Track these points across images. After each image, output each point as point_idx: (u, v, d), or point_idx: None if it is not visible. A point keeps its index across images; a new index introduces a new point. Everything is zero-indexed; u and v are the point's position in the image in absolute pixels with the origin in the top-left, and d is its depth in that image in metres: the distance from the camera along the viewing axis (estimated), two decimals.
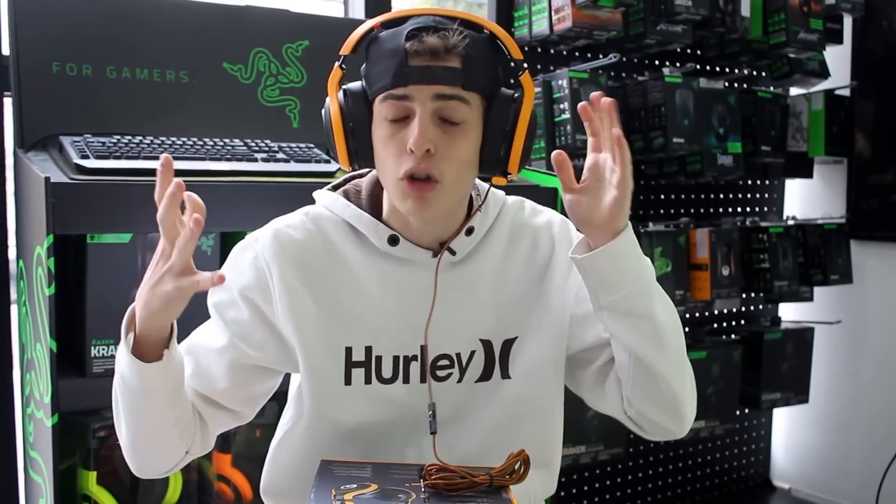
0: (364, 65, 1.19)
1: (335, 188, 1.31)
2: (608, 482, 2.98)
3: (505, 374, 1.26)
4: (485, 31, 1.17)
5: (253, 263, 1.22)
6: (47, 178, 1.54)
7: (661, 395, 1.20)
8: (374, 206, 1.25)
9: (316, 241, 1.24)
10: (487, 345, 1.25)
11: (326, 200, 1.27)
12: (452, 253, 1.23)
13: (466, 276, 1.25)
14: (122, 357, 1.12)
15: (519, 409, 1.27)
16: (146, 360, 1.10)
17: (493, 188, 1.30)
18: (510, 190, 1.36)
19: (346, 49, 1.20)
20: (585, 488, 2.92)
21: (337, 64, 1.22)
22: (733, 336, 3.07)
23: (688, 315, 2.75)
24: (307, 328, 1.21)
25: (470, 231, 1.24)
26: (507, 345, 1.26)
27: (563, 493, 2.84)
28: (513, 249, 1.28)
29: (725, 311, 3.14)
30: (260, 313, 1.22)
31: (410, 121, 1.14)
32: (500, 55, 1.19)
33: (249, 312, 1.22)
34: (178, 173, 1.70)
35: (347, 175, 1.33)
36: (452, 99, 1.13)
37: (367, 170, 1.29)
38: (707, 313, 3.01)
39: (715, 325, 3.13)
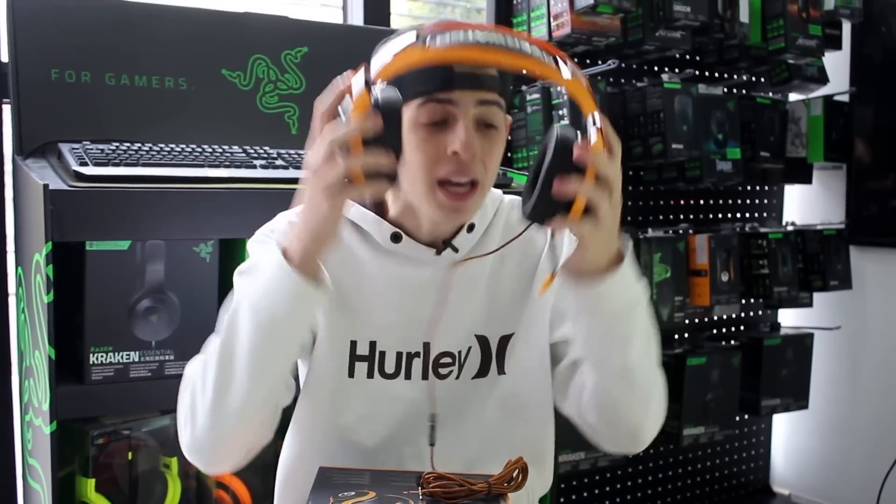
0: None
1: None
2: (608, 488, 2.97)
3: (501, 370, 1.28)
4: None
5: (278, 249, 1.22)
6: (46, 186, 1.54)
7: (618, 424, 1.22)
8: (377, 206, 1.25)
9: None
10: (483, 341, 1.26)
11: None
12: (455, 250, 1.24)
13: (466, 274, 1.26)
14: (275, 285, 1.06)
15: (515, 404, 1.28)
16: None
17: (491, 187, 1.32)
18: (510, 192, 1.37)
19: (385, 74, 1.06)
20: (585, 494, 2.91)
21: (364, 87, 1.13)
22: (733, 342, 3.07)
23: (687, 321, 2.75)
24: (321, 315, 1.22)
25: (471, 228, 1.25)
26: (504, 341, 1.27)
27: (562, 500, 2.84)
28: (510, 245, 1.28)
29: (725, 316, 3.14)
30: None
31: (451, 125, 1.13)
32: None
33: None
34: (177, 180, 1.71)
35: None
36: (493, 104, 1.15)
37: None
38: (706, 319, 3.00)
39: (714, 331, 3.13)
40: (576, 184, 1.00)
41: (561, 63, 1.09)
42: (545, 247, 1.30)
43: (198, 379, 1.12)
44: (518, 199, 1.35)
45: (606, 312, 1.10)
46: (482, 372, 1.27)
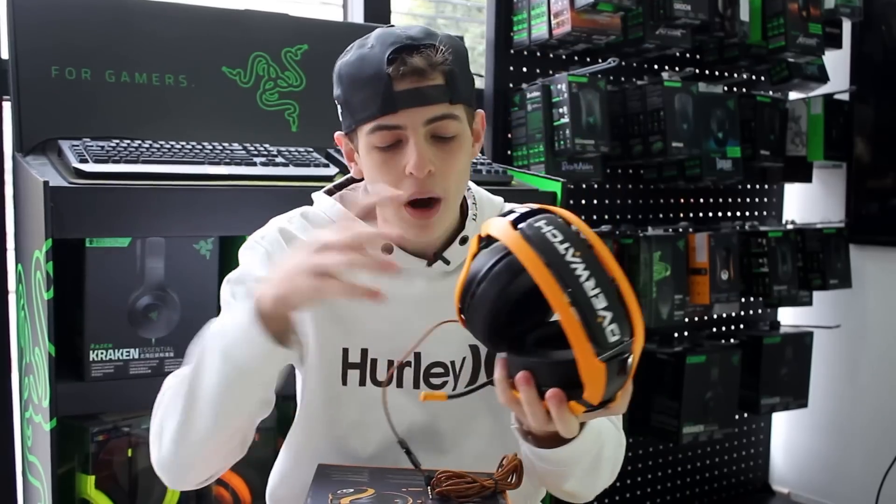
0: (337, 91, 1.17)
1: (333, 190, 1.31)
2: (607, 488, 2.97)
3: (491, 381, 1.27)
4: (457, 37, 1.16)
5: (266, 258, 1.22)
6: (46, 183, 1.54)
7: (561, 497, 1.23)
8: (369, 212, 1.24)
9: None
10: (475, 350, 1.26)
11: (323, 205, 1.28)
12: (446, 262, 1.23)
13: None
14: (244, 336, 1.02)
15: (506, 415, 1.27)
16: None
17: (491, 195, 1.31)
18: (510, 194, 1.37)
19: None
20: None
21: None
22: (732, 340, 3.07)
23: (687, 319, 2.75)
24: (311, 325, 1.22)
25: (464, 240, 1.24)
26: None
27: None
28: None
29: (724, 315, 3.14)
30: None
31: (404, 145, 1.13)
32: (467, 58, 1.19)
33: None
34: (177, 177, 1.71)
35: (346, 178, 1.33)
36: (444, 118, 1.13)
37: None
38: (706, 318, 3.00)
39: (714, 330, 3.13)
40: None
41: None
42: None
43: (169, 402, 1.12)
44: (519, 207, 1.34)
45: (550, 461, 1.09)
46: (472, 381, 1.27)
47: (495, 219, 0.94)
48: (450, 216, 1.20)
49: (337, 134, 1.23)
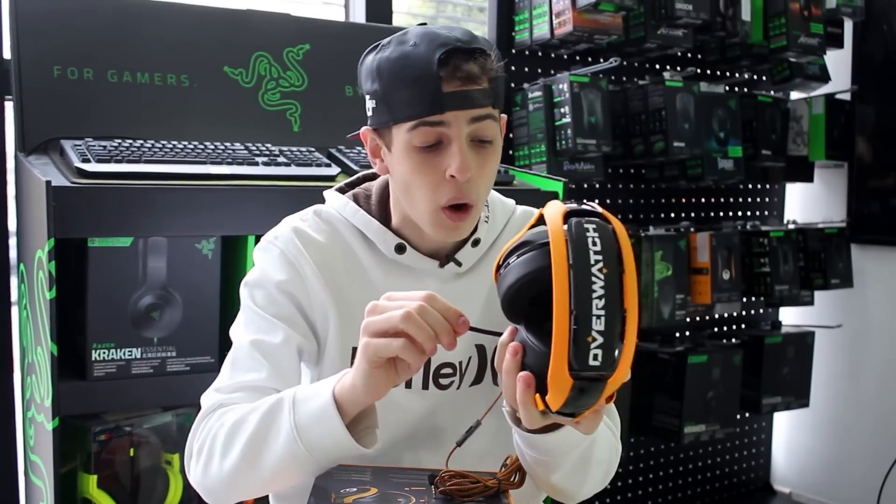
0: (374, 86, 1.16)
1: (346, 187, 1.31)
2: (608, 486, 2.97)
3: (496, 381, 1.27)
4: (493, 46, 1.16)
5: (281, 259, 1.22)
6: (48, 182, 1.54)
7: (549, 492, 1.21)
8: (382, 211, 1.24)
9: (330, 240, 1.24)
10: (481, 349, 1.26)
11: (337, 203, 1.27)
12: (458, 264, 1.24)
13: (470, 286, 1.25)
14: (328, 432, 1.04)
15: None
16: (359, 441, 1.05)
17: (503, 197, 1.31)
18: (511, 194, 1.37)
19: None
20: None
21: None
22: (734, 340, 3.07)
23: (688, 319, 2.75)
24: (326, 325, 1.22)
25: (476, 242, 1.24)
26: None
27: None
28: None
29: (726, 314, 3.14)
30: (299, 305, 1.22)
31: (445, 146, 1.12)
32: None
33: (290, 304, 1.21)
34: (179, 177, 1.71)
35: (358, 176, 1.33)
36: (486, 118, 1.13)
37: (374, 171, 1.30)
38: (708, 317, 3.01)
39: (715, 329, 3.13)
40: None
41: None
42: None
43: (220, 437, 1.10)
44: (532, 210, 1.34)
45: (538, 449, 1.09)
46: (478, 379, 1.27)
47: (556, 203, 0.93)
48: (475, 221, 1.21)
49: (363, 129, 1.22)
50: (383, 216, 1.24)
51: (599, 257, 0.87)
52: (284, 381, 1.18)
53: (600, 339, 0.85)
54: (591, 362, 0.86)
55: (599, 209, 0.92)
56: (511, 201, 1.33)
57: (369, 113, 1.19)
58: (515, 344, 0.95)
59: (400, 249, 1.22)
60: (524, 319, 0.97)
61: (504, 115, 1.20)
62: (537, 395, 0.92)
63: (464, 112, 1.10)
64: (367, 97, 1.18)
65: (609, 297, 0.86)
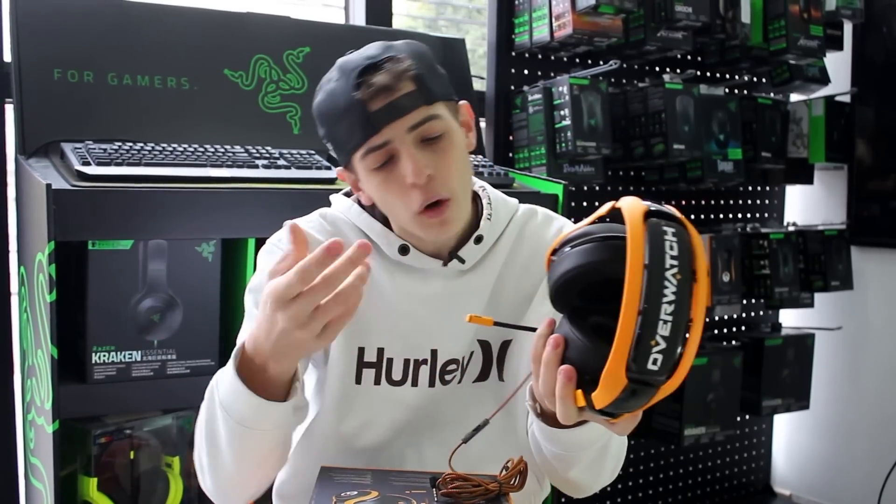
0: (321, 131, 1.20)
1: (351, 191, 1.32)
2: (608, 489, 2.97)
3: (501, 377, 1.28)
4: (419, 44, 1.18)
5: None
6: (49, 185, 1.55)
7: (563, 487, 1.23)
8: (385, 215, 1.25)
9: None
10: (486, 345, 1.27)
11: (341, 206, 1.29)
12: (462, 261, 1.24)
13: (474, 283, 1.26)
14: (239, 396, 1.02)
15: (513, 413, 1.28)
16: (270, 398, 1.01)
17: (506, 196, 1.32)
18: (510, 196, 1.37)
19: None
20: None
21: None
22: (734, 342, 3.07)
23: None
24: None
25: (479, 239, 1.25)
26: (505, 346, 1.28)
27: (563, 500, 2.84)
28: (517, 255, 1.29)
29: (726, 317, 3.14)
30: None
31: (397, 159, 1.14)
32: (431, 57, 1.20)
33: None
34: (179, 180, 1.71)
35: None
36: (425, 122, 1.14)
37: None
38: (708, 319, 3.00)
39: (716, 332, 3.13)
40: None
41: None
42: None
43: (200, 439, 1.11)
44: (534, 207, 1.34)
45: (560, 443, 1.09)
46: (483, 376, 1.28)
47: (634, 199, 0.91)
48: (463, 212, 1.21)
49: (338, 170, 1.25)
50: (385, 219, 1.25)
51: (675, 262, 0.85)
52: None
53: (663, 345, 0.84)
54: (650, 366, 0.85)
55: (678, 214, 0.90)
56: (514, 200, 1.34)
57: (335, 156, 1.22)
58: (557, 336, 0.94)
59: (403, 251, 1.23)
60: (569, 311, 0.96)
61: (463, 102, 1.22)
62: (578, 390, 0.91)
63: (396, 124, 1.12)
64: (325, 143, 1.23)
65: (679, 303, 0.85)
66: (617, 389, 0.86)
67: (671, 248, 0.85)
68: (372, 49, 1.15)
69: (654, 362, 0.85)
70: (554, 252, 0.96)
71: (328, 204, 1.33)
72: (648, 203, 0.90)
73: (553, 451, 1.11)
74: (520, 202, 1.35)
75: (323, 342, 0.96)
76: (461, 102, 1.23)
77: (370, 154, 1.14)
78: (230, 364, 1.03)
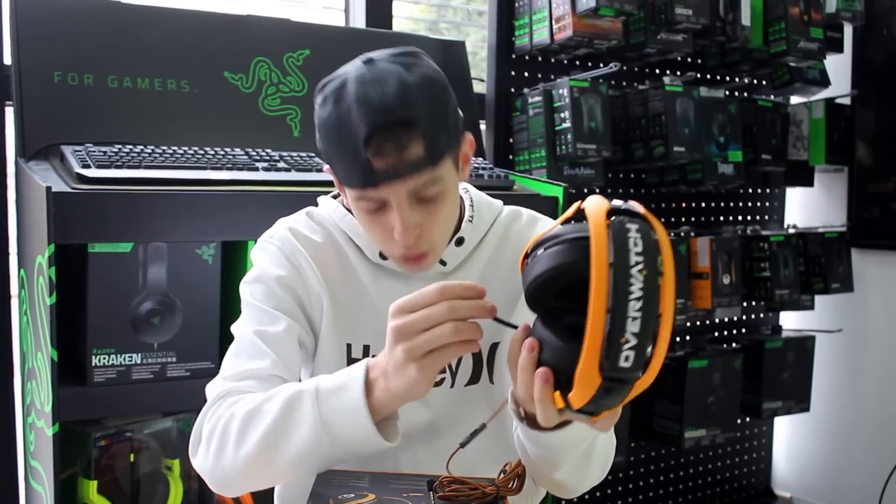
0: (319, 144, 1.16)
1: (338, 194, 1.32)
2: (609, 491, 2.97)
3: (491, 379, 1.28)
4: (436, 82, 1.13)
5: (279, 255, 1.24)
6: (49, 188, 1.55)
7: (552, 489, 1.22)
8: None
9: (323, 239, 1.27)
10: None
11: (327, 207, 1.31)
12: (443, 263, 1.25)
13: None
14: (355, 428, 1.04)
15: (505, 415, 1.27)
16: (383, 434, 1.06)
17: (490, 198, 1.32)
18: (512, 199, 1.37)
19: None
20: (586, 497, 2.91)
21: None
22: (734, 344, 3.07)
23: (689, 324, 2.75)
24: (321, 320, 1.24)
25: (460, 241, 1.26)
26: (493, 348, 1.28)
27: (563, 502, 2.84)
28: (500, 256, 1.29)
29: (726, 319, 3.14)
30: (298, 299, 1.24)
31: (389, 209, 1.13)
32: (450, 95, 1.16)
33: (290, 298, 1.23)
34: (179, 182, 1.71)
35: None
36: (425, 185, 1.12)
37: None
38: (708, 322, 3.01)
39: (716, 334, 3.13)
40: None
41: None
42: None
43: (234, 425, 1.10)
44: (518, 209, 1.34)
45: (543, 446, 1.09)
46: (474, 379, 1.28)
47: (598, 199, 0.91)
48: (437, 259, 1.22)
49: (326, 167, 1.22)
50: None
51: (640, 258, 0.85)
52: (288, 370, 1.19)
53: (634, 341, 0.84)
54: (622, 363, 0.85)
55: (642, 210, 0.91)
56: (498, 202, 1.34)
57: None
58: (532, 340, 0.94)
59: (384, 255, 1.25)
60: (543, 312, 0.96)
61: (469, 136, 1.19)
62: (556, 392, 0.91)
63: (397, 184, 1.10)
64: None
65: (647, 299, 0.84)
66: (592, 388, 0.86)
67: (635, 244, 0.85)
68: (390, 96, 1.08)
69: (626, 359, 0.85)
70: (527, 255, 0.97)
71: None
72: (613, 201, 0.91)
73: (538, 453, 1.10)
74: (519, 205, 1.35)
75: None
76: (465, 135, 1.19)
77: (363, 199, 1.13)
78: (357, 384, 1.04)
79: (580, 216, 0.93)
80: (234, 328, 1.25)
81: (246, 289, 1.25)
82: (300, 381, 1.24)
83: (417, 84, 1.10)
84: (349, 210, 1.27)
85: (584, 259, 0.87)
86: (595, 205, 0.90)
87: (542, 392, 0.92)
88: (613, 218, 0.88)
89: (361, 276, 1.26)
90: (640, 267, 0.85)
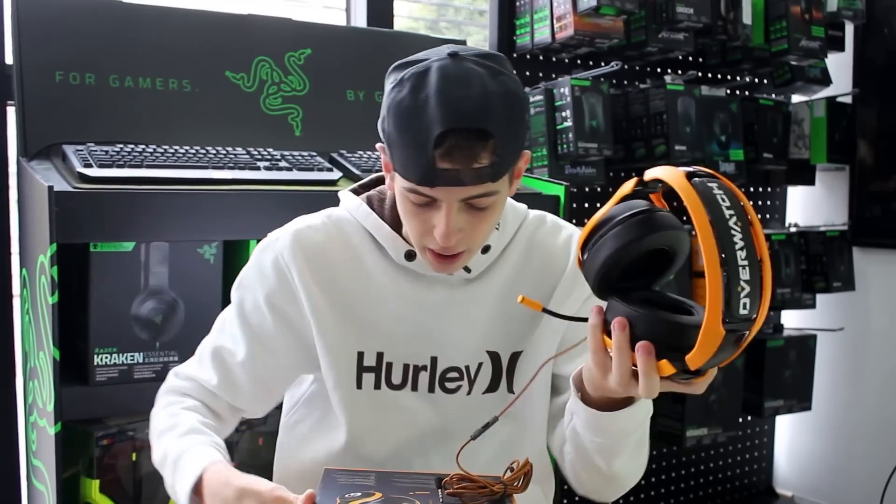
0: (384, 124, 1.12)
1: (360, 188, 1.31)
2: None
3: (510, 388, 1.27)
4: (516, 96, 1.10)
5: (274, 266, 1.23)
6: (50, 187, 1.55)
7: (604, 485, 1.23)
8: (395, 216, 1.23)
9: (336, 244, 1.24)
10: (495, 356, 1.26)
11: (350, 204, 1.27)
12: (468, 270, 1.23)
13: (479, 292, 1.25)
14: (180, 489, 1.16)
15: (522, 423, 1.27)
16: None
17: (515, 203, 1.31)
18: (514, 198, 1.37)
19: None
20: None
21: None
22: None
23: None
24: (324, 330, 1.22)
25: (486, 249, 1.24)
26: (514, 357, 1.27)
27: (565, 501, 2.84)
28: (526, 264, 1.28)
29: None
30: (285, 319, 1.24)
31: (436, 207, 1.11)
32: (526, 112, 1.14)
33: (273, 319, 1.24)
34: (181, 182, 1.71)
35: (373, 177, 1.33)
36: (480, 196, 1.10)
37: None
38: None
39: None
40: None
41: None
42: (565, 269, 1.27)
43: (153, 430, 1.30)
44: (543, 214, 1.33)
45: (607, 431, 1.10)
46: (492, 387, 1.27)
47: (669, 168, 0.94)
48: (468, 261, 1.20)
49: (380, 144, 1.18)
50: (395, 221, 1.23)
51: (731, 212, 0.89)
52: (233, 393, 1.27)
53: (748, 288, 0.88)
54: (741, 311, 0.88)
55: (710, 171, 0.94)
56: (523, 206, 1.32)
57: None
58: (621, 319, 0.95)
59: (409, 256, 1.22)
60: (616, 294, 0.98)
61: (527, 153, 1.17)
62: (662, 361, 0.94)
63: (455, 189, 1.08)
64: (379, 127, 1.16)
65: (748, 247, 0.89)
66: (715, 344, 0.89)
67: (722, 199, 0.90)
68: (472, 100, 1.05)
69: (745, 307, 0.88)
70: (584, 248, 0.99)
71: (329, 205, 1.31)
72: (683, 168, 0.94)
73: (598, 441, 1.11)
74: (524, 205, 1.34)
75: None
76: (524, 153, 1.16)
77: (413, 192, 1.10)
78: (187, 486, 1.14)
79: (643, 189, 0.98)
80: (218, 320, 1.31)
81: (234, 292, 1.28)
82: (257, 400, 1.31)
83: (499, 95, 1.07)
84: (373, 208, 1.25)
85: (650, 234, 0.93)
86: (673, 174, 0.93)
87: (647, 364, 0.93)
88: (694, 180, 0.92)
89: (379, 279, 1.23)
90: (734, 219, 0.89)
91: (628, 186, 0.99)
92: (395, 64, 1.13)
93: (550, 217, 1.34)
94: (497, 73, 1.09)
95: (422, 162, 1.06)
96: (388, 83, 1.12)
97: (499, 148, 1.06)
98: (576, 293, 1.25)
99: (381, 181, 1.32)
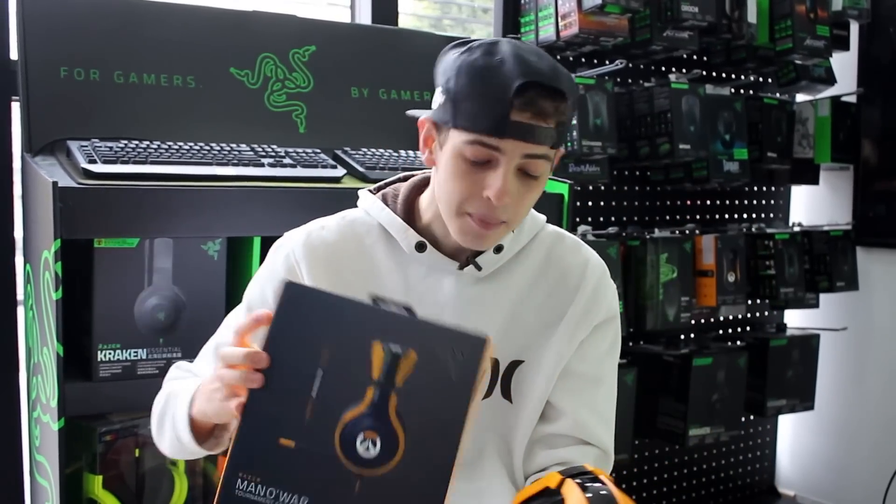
0: (448, 83, 1.13)
1: (375, 190, 1.32)
2: None
3: (506, 395, 1.26)
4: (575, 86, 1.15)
5: (285, 261, 1.25)
6: (55, 183, 1.55)
7: None
8: (407, 211, 1.25)
9: (348, 244, 1.25)
10: (493, 362, 1.26)
11: (366, 203, 1.29)
12: (478, 268, 1.24)
13: (488, 293, 1.25)
14: (181, 429, 1.17)
15: (513, 435, 1.27)
16: (199, 438, 1.17)
17: (534, 210, 1.31)
18: None
19: None
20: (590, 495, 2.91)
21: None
22: (739, 343, 3.06)
23: (693, 321, 2.75)
24: None
25: (499, 249, 1.24)
26: (513, 366, 1.26)
27: None
28: (542, 275, 1.28)
29: (731, 317, 3.13)
30: None
31: (493, 167, 1.12)
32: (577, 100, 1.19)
33: None
34: (185, 178, 1.71)
35: (394, 178, 1.34)
36: (541, 158, 1.13)
37: (410, 174, 1.31)
38: (712, 320, 3.00)
39: (720, 332, 3.13)
40: None
41: None
42: (576, 294, 1.27)
43: (153, 418, 1.30)
44: (562, 231, 1.33)
45: None
46: (486, 392, 1.26)
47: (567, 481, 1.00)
48: (502, 237, 1.22)
49: (422, 117, 1.20)
50: (408, 216, 1.25)
51: None
52: None
53: None
54: None
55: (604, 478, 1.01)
56: (542, 217, 1.33)
57: (434, 105, 1.18)
58: None
59: (420, 247, 1.23)
60: None
61: (561, 150, 1.20)
62: None
63: (522, 144, 1.10)
64: (438, 89, 1.17)
65: None
66: None
67: None
68: (546, 64, 1.11)
69: None
70: None
71: (333, 202, 1.33)
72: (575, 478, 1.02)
73: None
74: (543, 216, 1.34)
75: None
76: (559, 149, 1.20)
77: (476, 145, 1.11)
78: (185, 401, 1.16)
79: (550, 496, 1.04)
80: (229, 316, 1.33)
81: (249, 286, 1.29)
82: None
83: (567, 74, 1.14)
84: (388, 205, 1.26)
85: None
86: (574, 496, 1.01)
87: None
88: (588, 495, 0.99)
89: (389, 277, 1.24)
90: None
91: (533, 488, 1.06)
92: (456, 42, 1.17)
93: (570, 236, 1.34)
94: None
95: (497, 112, 1.08)
96: (452, 54, 1.15)
97: (564, 116, 1.12)
98: (590, 317, 1.26)
99: (399, 182, 1.33)
